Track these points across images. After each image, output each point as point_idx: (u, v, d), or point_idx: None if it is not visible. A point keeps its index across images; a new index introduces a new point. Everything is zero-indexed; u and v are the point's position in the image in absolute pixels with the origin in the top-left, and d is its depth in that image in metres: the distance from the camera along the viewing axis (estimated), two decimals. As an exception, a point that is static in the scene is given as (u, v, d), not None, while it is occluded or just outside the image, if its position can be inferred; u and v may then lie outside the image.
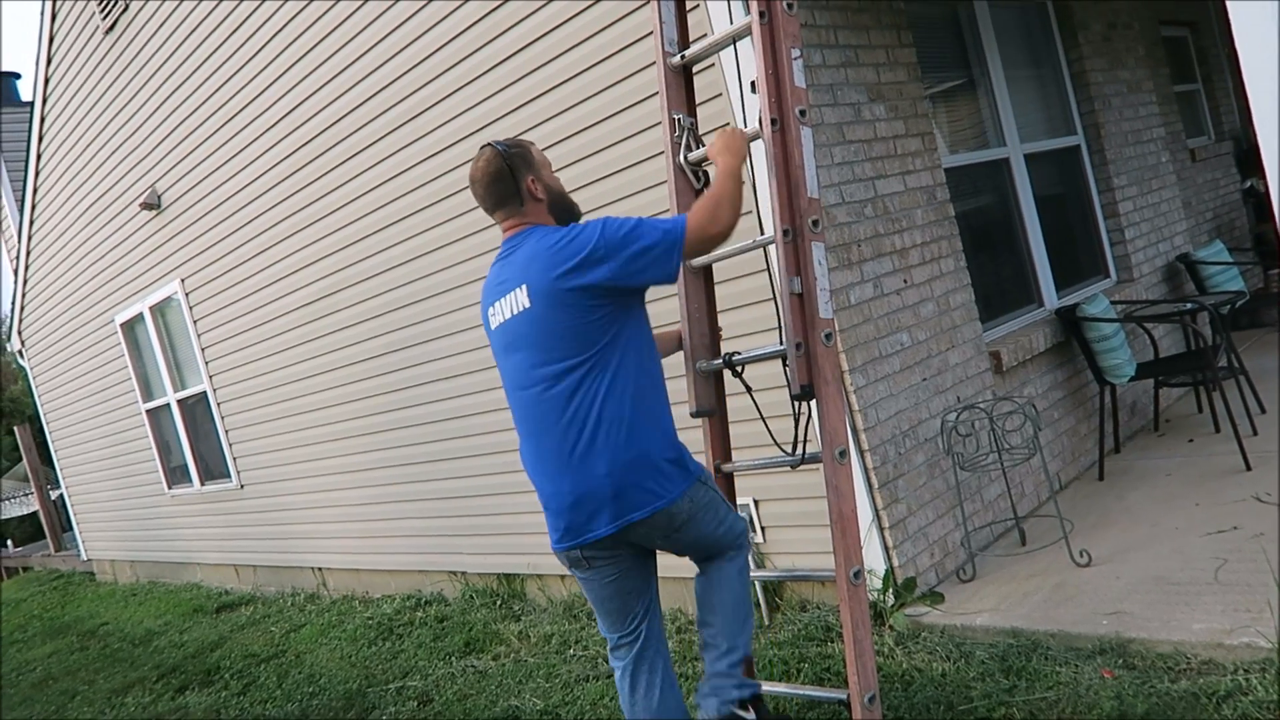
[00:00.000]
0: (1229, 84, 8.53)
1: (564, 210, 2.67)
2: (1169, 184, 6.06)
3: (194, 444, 8.33)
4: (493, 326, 2.63)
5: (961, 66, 4.78)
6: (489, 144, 2.64)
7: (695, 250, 2.53)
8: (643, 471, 2.43)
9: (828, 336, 2.77)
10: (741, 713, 2.64)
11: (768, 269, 3.37)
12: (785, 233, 2.82)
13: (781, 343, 2.87)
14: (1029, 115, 5.10)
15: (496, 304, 2.59)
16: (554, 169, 2.78)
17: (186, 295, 7.58)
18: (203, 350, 7.63)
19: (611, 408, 2.42)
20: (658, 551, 2.69)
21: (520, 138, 2.76)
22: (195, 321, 7.59)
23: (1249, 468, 4.06)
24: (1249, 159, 8.06)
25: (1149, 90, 6.04)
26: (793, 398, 2.78)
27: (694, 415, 3.05)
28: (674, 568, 2.95)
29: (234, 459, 7.71)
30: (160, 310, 8.16)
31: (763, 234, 3.28)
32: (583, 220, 2.64)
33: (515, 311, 2.51)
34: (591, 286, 2.41)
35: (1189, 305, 4.99)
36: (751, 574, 3.04)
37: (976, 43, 4.80)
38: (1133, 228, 5.57)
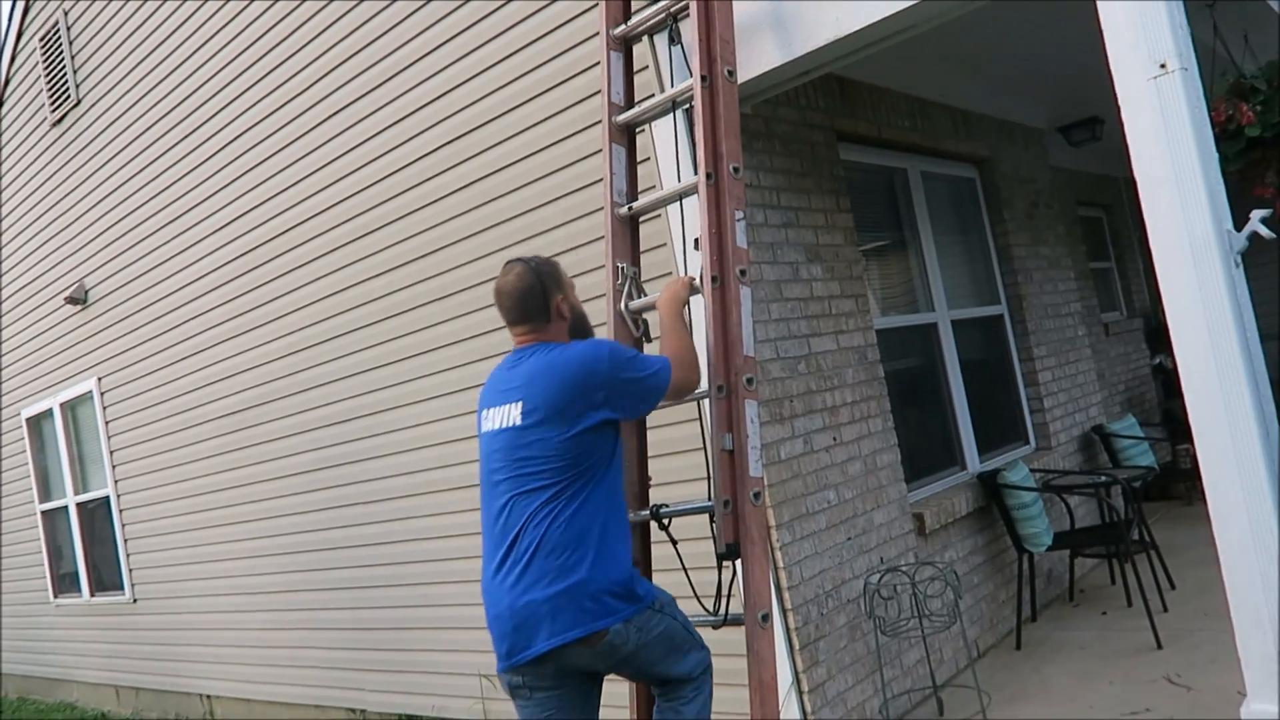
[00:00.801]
0: (1140, 264, 9.07)
1: (582, 332, 2.75)
2: (1085, 356, 6.33)
3: (88, 551, 7.88)
4: (483, 430, 2.64)
5: (895, 233, 5.00)
6: (519, 259, 2.71)
7: (670, 397, 2.64)
8: (581, 597, 2.38)
9: (756, 495, 2.76)
10: None
11: (699, 421, 3.39)
12: (720, 388, 2.85)
13: (710, 497, 2.86)
14: (957, 283, 5.32)
15: (492, 410, 2.61)
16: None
17: (102, 394, 7.31)
18: (111, 453, 7.31)
19: (559, 533, 2.41)
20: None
21: (548, 257, 2.82)
22: (108, 422, 7.29)
23: (1160, 645, 4.10)
24: (1158, 336, 8.50)
25: (1068, 266, 6.38)
26: (718, 556, 2.75)
27: (617, 566, 2.98)
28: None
29: (130, 570, 7.29)
30: (71, 407, 7.85)
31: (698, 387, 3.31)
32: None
33: (505, 424, 2.53)
34: (588, 407, 2.45)
35: (1103, 478, 5.13)
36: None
37: (910, 212, 5.04)
38: (1051, 397, 5.77)
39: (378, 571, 5.19)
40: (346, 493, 5.30)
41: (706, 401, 2.95)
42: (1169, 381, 8.35)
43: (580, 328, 2.74)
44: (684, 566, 2.91)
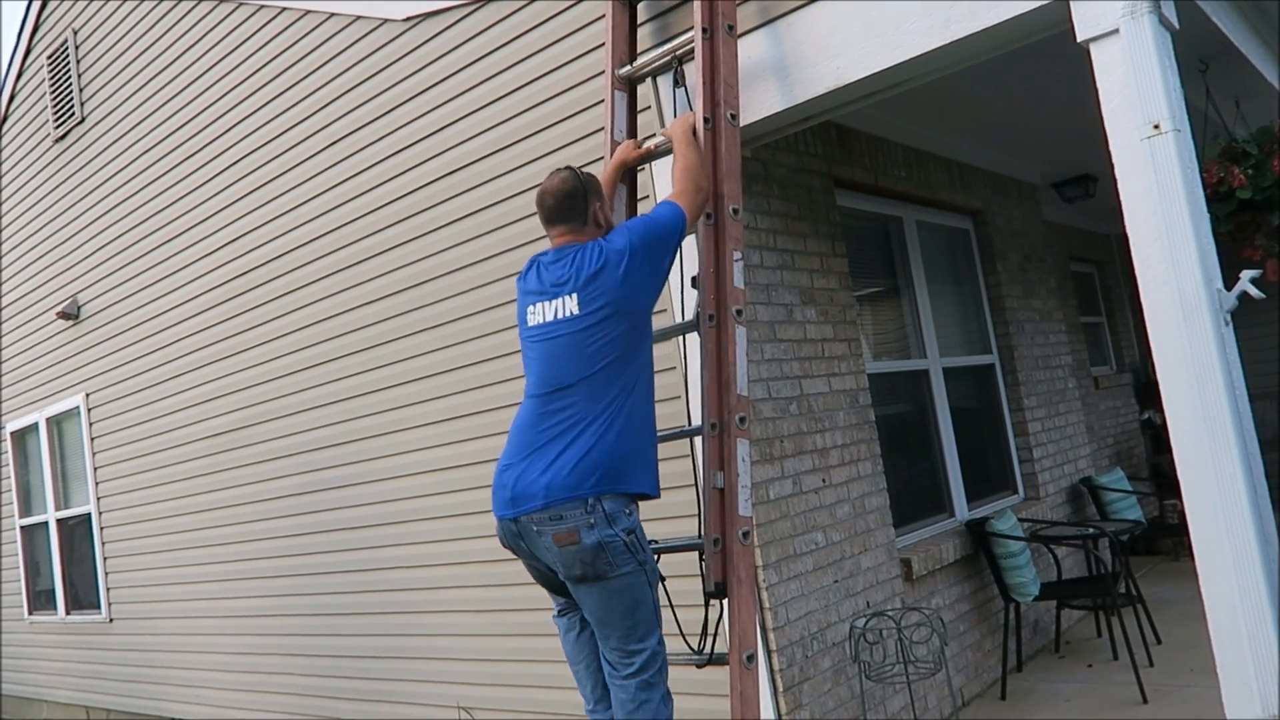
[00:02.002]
0: (1130, 319, 9.15)
1: None
2: (1074, 409, 6.37)
3: (66, 568, 7.79)
4: (530, 323, 2.75)
5: (889, 280, 5.05)
6: (566, 167, 2.87)
7: (693, 214, 2.86)
8: (577, 503, 2.50)
9: (745, 535, 2.77)
10: None
11: (691, 458, 3.40)
12: (713, 426, 2.87)
13: (699, 535, 2.86)
14: (949, 331, 5.36)
15: (540, 304, 2.72)
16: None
17: (89, 410, 7.27)
18: (95, 469, 7.26)
19: (591, 432, 2.56)
20: None
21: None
22: (93, 439, 7.25)
23: (1145, 700, 4.09)
24: (1147, 391, 8.55)
25: (1059, 319, 6.44)
26: (706, 594, 2.75)
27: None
28: None
29: (108, 589, 7.21)
30: (57, 422, 7.80)
31: (690, 425, 3.33)
32: None
33: (559, 316, 2.66)
34: (632, 276, 2.63)
35: (1091, 530, 5.14)
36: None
37: (904, 260, 5.09)
38: (1040, 447, 5.79)
39: (358, 599, 5.14)
40: (329, 518, 5.27)
41: (699, 438, 2.96)
42: (1157, 437, 8.39)
43: None
44: (671, 604, 2.91)
